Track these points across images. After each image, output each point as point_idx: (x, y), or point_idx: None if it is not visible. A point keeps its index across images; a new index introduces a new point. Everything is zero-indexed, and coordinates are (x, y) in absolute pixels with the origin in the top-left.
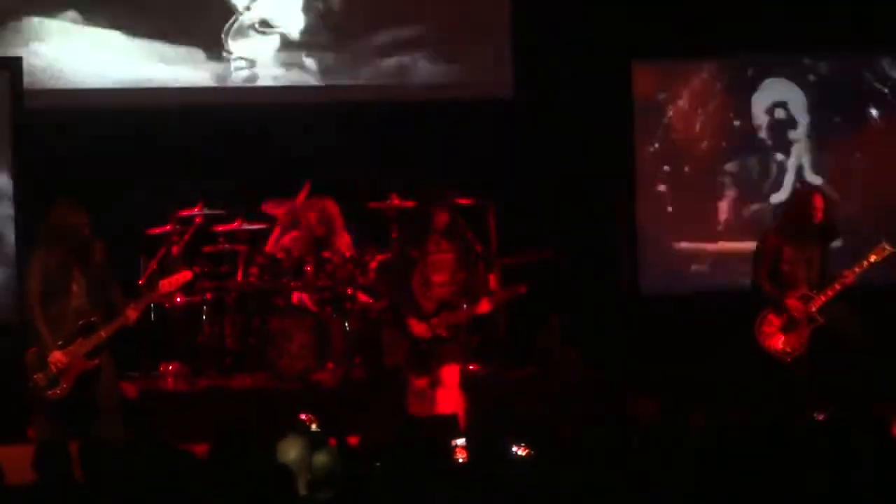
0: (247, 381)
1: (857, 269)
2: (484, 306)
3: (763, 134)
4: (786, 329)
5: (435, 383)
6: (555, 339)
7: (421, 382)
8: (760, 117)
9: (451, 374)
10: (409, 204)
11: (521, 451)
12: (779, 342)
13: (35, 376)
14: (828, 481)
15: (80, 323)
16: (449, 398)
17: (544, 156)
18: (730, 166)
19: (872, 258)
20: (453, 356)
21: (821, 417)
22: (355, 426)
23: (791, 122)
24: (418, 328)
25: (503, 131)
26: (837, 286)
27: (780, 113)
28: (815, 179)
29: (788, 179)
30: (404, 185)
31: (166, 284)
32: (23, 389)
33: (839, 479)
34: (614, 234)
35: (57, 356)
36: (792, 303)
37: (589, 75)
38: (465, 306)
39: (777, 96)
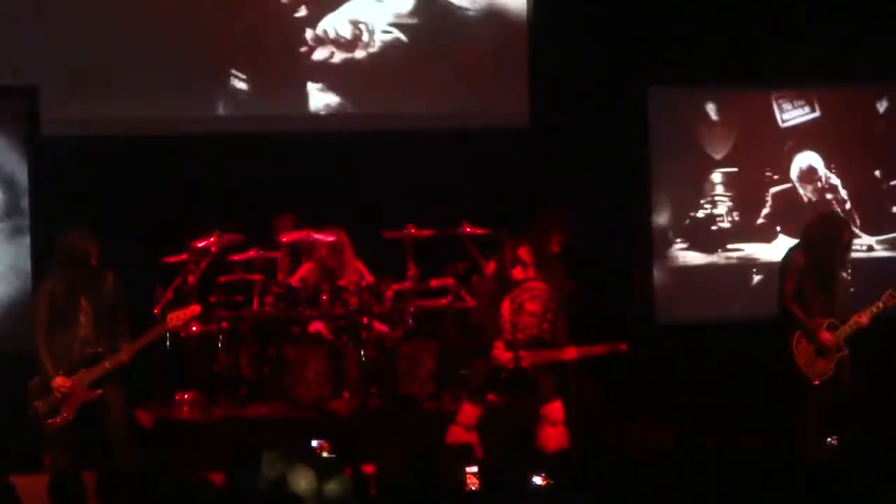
0: (262, 410)
1: (871, 312)
2: (570, 353)
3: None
4: (818, 353)
5: (543, 421)
6: (571, 369)
7: (475, 411)
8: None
9: (556, 410)
10: (426, 233)
11: (540, 482)
12: (811, 364)
13: (35, 403)
14: None
15: (86, 353)
16: (556, 435)
17: (560, 184)
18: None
19: (881, 304)
20: (550, 392)
21: (834, 442)
22: (371, 455)
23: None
24: (503, 355)
25: (519, 160)
26: (854, 325)
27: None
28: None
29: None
30: (419, 215)
31: (174, 318)
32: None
33: None
34: (630, 262)
35: (59, 381)
36: (824, 336)
37: (605, 103)
38: (547, 349)
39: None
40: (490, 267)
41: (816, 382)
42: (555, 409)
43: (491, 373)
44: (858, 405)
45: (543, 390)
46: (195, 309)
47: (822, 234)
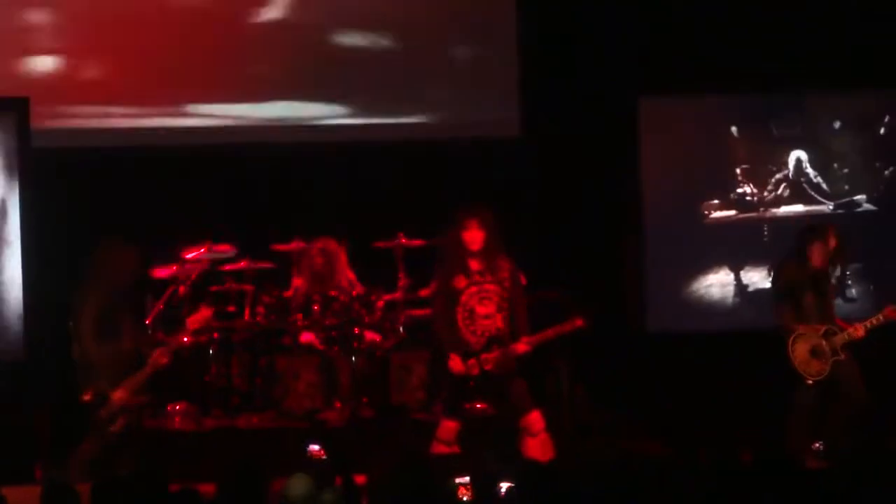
0: (254, 421)
1: (868, 325)
2: (522, 346)
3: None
4: (813, 355)
5: (523, 433)
6: (563, 378)
7: (452, 425)
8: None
9: (536, 420)
10: (416, 243)
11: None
12: (806, 364)
13: (100, 412)
14: None
15: (132, 361)
16: (540, 445)
17: (550, 193)
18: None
19: (881, 317)
20: (524, 402)
21: (816, 445)
22: (362, 465)
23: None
24: (458, 366)
25: (510, 170)
26: (849, 336)
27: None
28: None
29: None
30: (411, 225)
31: (193, 322)
32: (28, 430)
33: None
34: (622, 272)
35: (119, 394)
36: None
37: (596, 113)
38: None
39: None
40: (433, 285)
41: (810, 382)
42: (533, 419)
43: (457, 385)
44: (864, 411)
45: (517, 400)
46: (208, 312)
47: (808, 241)
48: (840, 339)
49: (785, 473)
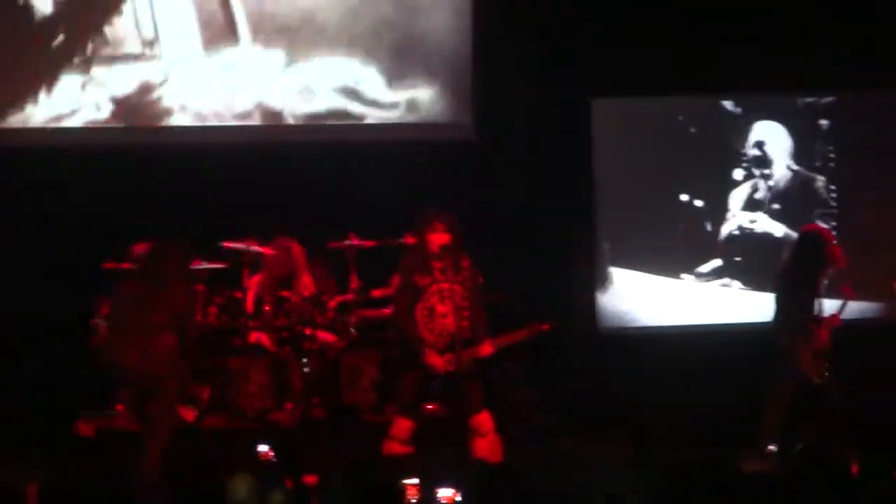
0: (205, 421)
1: (839, 312)
2: (486, 348)
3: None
4: (815, 355)
5: (472, 433)
6: (514, 381)
7: (407, 424)
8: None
9: (485, 421)
10: (369, 243)
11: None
12: (811, 365)
13: None
14: None
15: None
16: (489, 445)
17: (503, 194)
18: (691, 200)
19: (842, 300)
20: (476, 402)
21: (770, 448)
22: (314, 466)
23: (764, 159)
24: (434, 360)
25: (464, 172)
26: (831, 326)
27: (757, 150)
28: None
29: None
30: (363, 226)
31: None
32: None
33: None
34: (574, 272)
35: None
36: (823, 336)
37: (549, 115)
38: (467, 347)
39: (760, 135)
40: (396, 279)
41: (818, 381)
42: (482, 420)
43: (419, 383)
44: (840, 407)
45: (470, 400)
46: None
47: (810, 246)
48: (826, 336)
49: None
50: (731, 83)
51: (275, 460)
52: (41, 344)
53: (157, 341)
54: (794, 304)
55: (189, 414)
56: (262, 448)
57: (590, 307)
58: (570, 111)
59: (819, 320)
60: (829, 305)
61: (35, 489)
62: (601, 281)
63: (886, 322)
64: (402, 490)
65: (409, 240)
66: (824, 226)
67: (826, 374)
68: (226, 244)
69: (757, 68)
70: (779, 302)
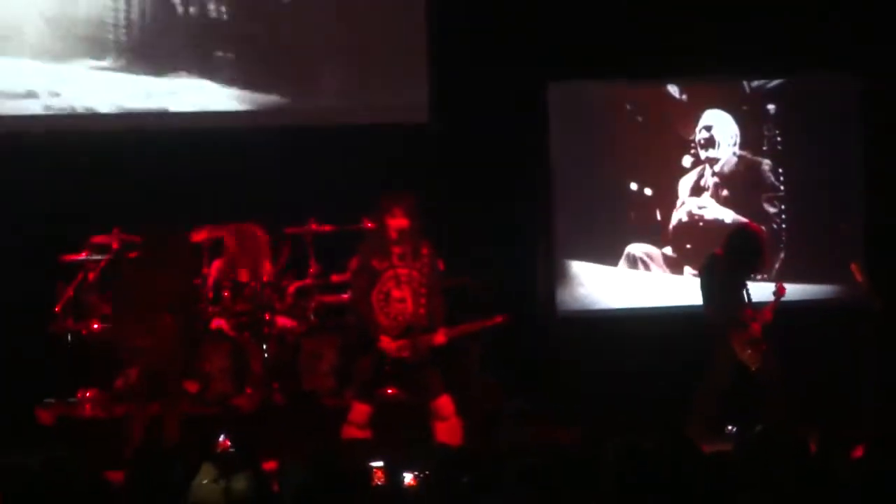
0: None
1: (772, 308)
2: (440, 337)
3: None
4: (749, 344)
5: (433, 417)
6: (473, 367)
7: (364, 408)
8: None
9: (445, 405)
10: (327, 228)
11: (410, 479)
12: (746, 354)
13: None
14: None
15: None
16: (449, 429)
17: (460, 180)
18: (640, 188)
19: (775, 296)
20: (436, 386)
21: (730, 428)
22: (273, 451)
23: (711, 142)
24: (388, 345)
25: (419, 156)
26: (764, 321)
27: (705, 133)
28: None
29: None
30: (321, 211)
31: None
32: None
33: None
34: (532, 256)
35: None
36: (755, 328)
37: (505, 99)
38: (423, 334)
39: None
40: (354, 262)
41: (753, 369)
42: (443, 403)
43: (375, 368)
44: (781, 395)
45: (429, 384)
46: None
47: (745, 242)
48: (758, 327)
49: (688, 458)
50: (677, 68)
51: (233, 449)
52: (1, 332)
53: (162, 322)
54: (727, 298)
55: (192, 386)
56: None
57: (547, 291)
58: (526, 95)
59: (753, 314)
60: (757, 296)
61: None
62: (558, 266)
63: (844, 303)
64: (368, 474)
65: (368, 224)
66: (772, 211)
67: (762, 362)
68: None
69: (704, 54)
70: (709, 293)
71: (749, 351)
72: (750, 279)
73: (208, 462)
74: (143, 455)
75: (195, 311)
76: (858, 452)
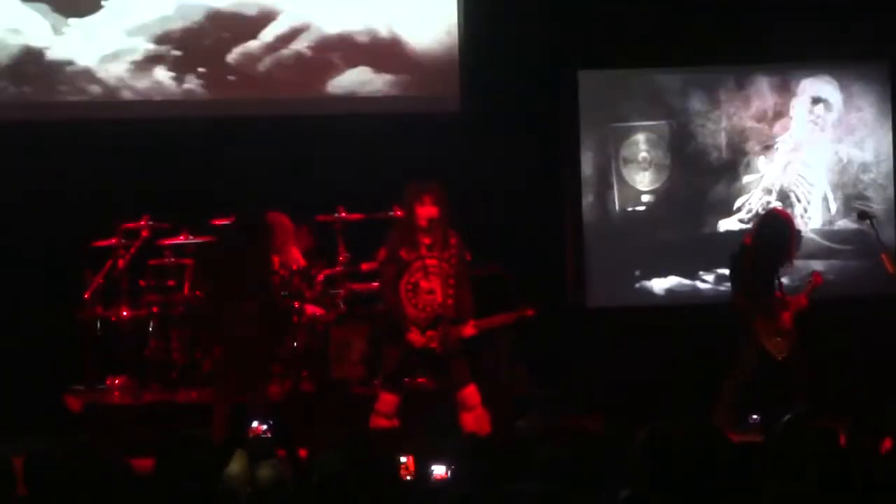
0: (193, 395)
1: (807, 294)
2: (469, 329)
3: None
4: (777, 333)
5: (460, 407)
6: (502, 355)
7: (391, 398)
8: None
9: (472, 395)
10: (357, 216)
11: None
12: (772, 342)
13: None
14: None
15: None
16: (476, 419)
17: (490, 169)
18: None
19: (811, 284)
20: (463, 376)
21: (754, 417)
22: (304, 439)
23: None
24: (416, 337)
25: (451, 144)
26: (797, 308)
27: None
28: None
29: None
30: (351, 199)
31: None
32: None
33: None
34: (562, 247)
35: None
36: (785, 316)
37: (536, 87)
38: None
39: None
40: (382, 252)
41: (780, 358)
42: (469, 393)
43: (403, 358)
44: (805, 385)
45: (456, 375)
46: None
47: (772, 229)
48: (788, 316)
49: (717, 448)
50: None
51: (268, 435)
52: (30, 319)
53: (245, 308)
54: (754, 286)
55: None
56: (255, 424)
57: (578, 283)
58: (557, 84)
59: (786, 301)
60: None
61: (21, 463)
62: (589, 256)
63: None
64: (397, 466)
65: (398, 213)
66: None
67: (789, 351)
68: (212, 220)
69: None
70: (737, 281)
71: (775, 340)
72: (780, 266)
73: (241, 449)
74: (176, 442)
75: (278, 296)
76: (888, 444)
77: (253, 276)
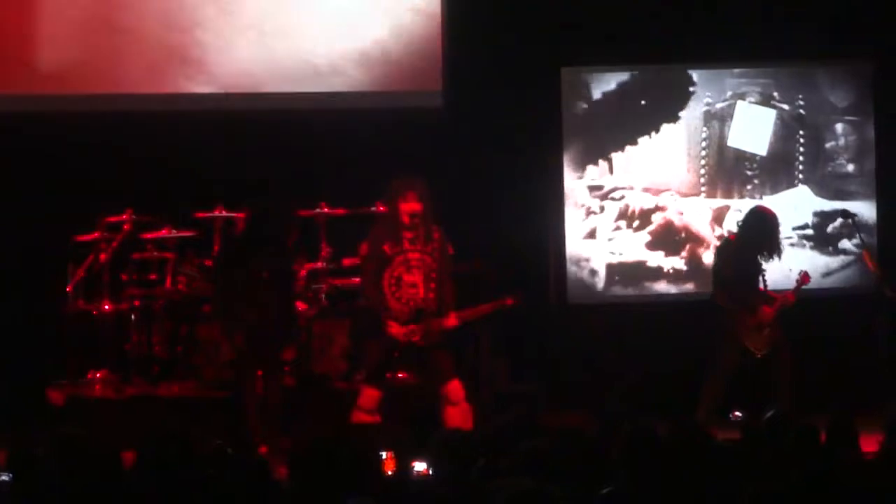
0: (174, 390)
1: (795, 291)
2: (451, 320)
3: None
4: (757, 328)
5: (443, 402)
6: (483, 350)
7: (373, 393)
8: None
9: (455, 389)
10: (339, 212)
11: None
12: (752, 338)
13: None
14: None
15: None
16: (460, 414)
17: (471, 164)
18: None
19: (798, 283)
20: (446, 371)
21: (736, 414)
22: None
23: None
24: (396, 330)
25: (433, 140)
26: (782, 304)
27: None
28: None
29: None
30: (332, 194)
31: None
32: None
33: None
34: (544, 243)
35: None
36: (766, 311)
37: (518, 83)
38: (433, 318)
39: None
40: (364, 247)
41: (759, 355)
42: (453, 388)
43: (384, 353)
44: (789, 382)
45: (439, 369)
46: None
47: (757, 225)
48: (770, 311)
49: (699, 445)
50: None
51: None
52: (12, 312)
53: (265, 298)
54: (736, 281)
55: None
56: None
57: (559, 279)
58: (539, 79)
59: (770, 297)
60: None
61: (3, 457)
62: (570, 252)
63: (857, 291)
64: (378, 461)
65: (381, 208)
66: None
67: (769, 348)
68: (196, 214)
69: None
70: (719, 276)
71: (754, 336)
72: (763, 261)
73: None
74: (155, 434)
75: (296, 287)
76: (871, 444)
77: (271, 268)
